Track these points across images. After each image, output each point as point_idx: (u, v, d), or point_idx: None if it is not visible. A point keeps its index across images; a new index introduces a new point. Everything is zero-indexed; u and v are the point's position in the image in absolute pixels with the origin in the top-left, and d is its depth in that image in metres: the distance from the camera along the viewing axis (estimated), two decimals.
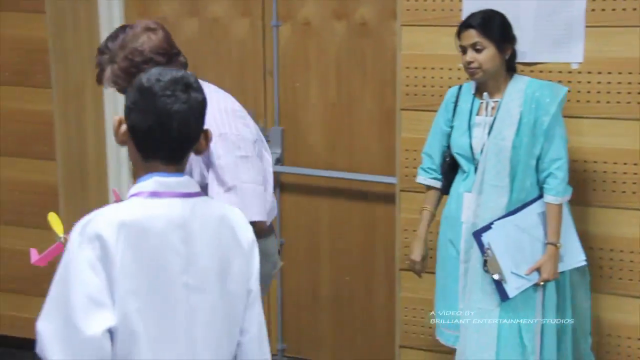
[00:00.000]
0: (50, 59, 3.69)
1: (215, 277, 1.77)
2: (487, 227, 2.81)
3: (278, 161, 3.81)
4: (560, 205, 2.79)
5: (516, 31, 2.82)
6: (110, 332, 1.66)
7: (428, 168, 3.01)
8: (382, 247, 3.68)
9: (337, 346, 3.82)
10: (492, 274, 2.80)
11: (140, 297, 1.67)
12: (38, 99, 3.76)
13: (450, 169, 2.95)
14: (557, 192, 2.78)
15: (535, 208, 2.82)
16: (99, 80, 2.46)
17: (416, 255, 2.99)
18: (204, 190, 2.32)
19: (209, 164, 2.43)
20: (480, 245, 2.80)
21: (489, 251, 2.80)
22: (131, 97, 1.73)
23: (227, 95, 2.54)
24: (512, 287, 2.81)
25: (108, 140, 3.91)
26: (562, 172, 2.79)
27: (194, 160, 2.43)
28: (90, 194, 3.92)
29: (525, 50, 3.00)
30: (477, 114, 2.86)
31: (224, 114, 2.43)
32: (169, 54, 2.41)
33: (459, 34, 2.78)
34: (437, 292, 3.01)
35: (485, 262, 2.79)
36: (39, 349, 1.67)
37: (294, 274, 3.89)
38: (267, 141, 3.81)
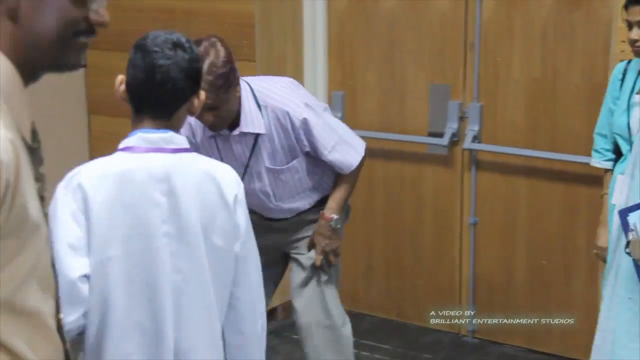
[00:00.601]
0: (256, 32, 3.82)
1: (200, 230, 1.84)
2: (637, 207, 2.59)
3: (475, 138, 3.72)
4: None
5: None
6: (88, 278, 1.79)
7: (601, 149, 2.89)
8: (584, 231, 3.51)
9: (530, 332, 3.71)
10: (634, 257, 2.60)
11: (117, 246, 1.79)
12: (243, 72, 3.92)
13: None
14: None
15: None
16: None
17: (602, 241, 2.91)
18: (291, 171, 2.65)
19: (307, 137, 2.62)
20: (625, 224, 2.60)
21: (633, 232, 2.58)
22: (130, 55, 1.86)
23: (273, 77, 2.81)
24: None
25: None
26: None
27: (288, 147, 2.62)
28: None
29: None
30: (638, 93, 2.71)
31: (291, 88, 2.67)
32: None
33: (626, 7, 2.58)
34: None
35: (627, 244, 2.58)
36: None
37: (487, 255, 3.83)
38: (465, 117, 3.76)
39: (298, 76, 3.97)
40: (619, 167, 2.76)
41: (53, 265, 1.16)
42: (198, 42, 2.44)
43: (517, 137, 3.63)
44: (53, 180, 4.48)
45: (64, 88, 4.10)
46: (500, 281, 3.77)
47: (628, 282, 2.65)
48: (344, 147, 2.69)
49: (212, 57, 2.40)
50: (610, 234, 2.84)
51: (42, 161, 1.11)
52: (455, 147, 3.81)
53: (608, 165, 2.88)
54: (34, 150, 1.08)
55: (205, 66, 2.32)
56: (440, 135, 3.81)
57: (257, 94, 2.59)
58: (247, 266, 1.95)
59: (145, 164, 1.82)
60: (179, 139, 1.87)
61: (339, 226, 2.74)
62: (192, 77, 1.86)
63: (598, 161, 2.92)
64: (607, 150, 2.87)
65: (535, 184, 3.64)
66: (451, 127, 3.77)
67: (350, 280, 4.21)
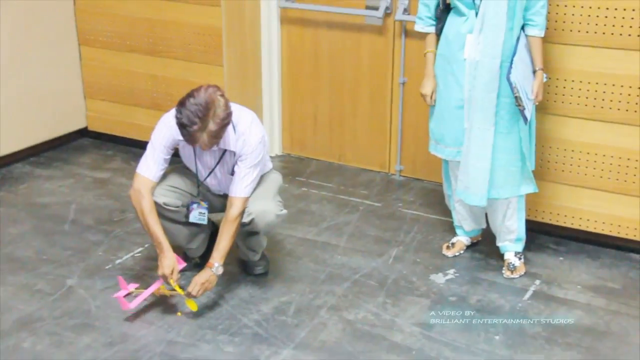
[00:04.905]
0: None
1: None
2: (510, 67, 3.04)
3: (405, 11, 3.96)
4: (541, 38, 3.13)
5: None
6: None
7: (425, 16, 3.24)
8: None
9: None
10: (521, 109, 3.07)
11: None
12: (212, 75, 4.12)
13: (443, 14, 3.21)
14: (542, 27, 3.10)
15: (522, 41, 3.11)
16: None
17: (428, 89, 3.29)
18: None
19: (243, 158, 3.04)
20: (510, 84, 3.05)
21: (515, 89, 3.05)
22: None
23: None
24: (528, 112, 3.11)
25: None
26: (545, 10, 3.08)
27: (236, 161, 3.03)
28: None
29: None
30: None
31: (255, 123, 3.12)
32: None
33: None
34: (436, 117, 3.28)
35: (516, 99, 3.08)
36: None
37: (414, 111, 4.16)
38: None
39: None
40: (464, 27, 3.10)
41: None
42: (198, 90, 2.76)
43: None
44: (48, 98, 4.58)
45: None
46: (423, 133, 4.03)
47: (478, 115, 3.16)
48: (250, 181, 3.02)
49: (216, 108, 2.76)
50: (443, 79, 3.23)
51: None
52: (388, 19, 4.09)
53: (430, 29, 3.25)
54: None
55: (211, 121, 2.74)
56: (375, 8, 4.12)
57: (233, 118, 2.92)
58: None
59: None
60: None
61: (220, 272, 3.02)
62: None
63: (422, 27, 3.26)
64: (429, 17, 3.24)
65: None
66: (385, 0, 4.07)
67: (300, 131, 4.55)
